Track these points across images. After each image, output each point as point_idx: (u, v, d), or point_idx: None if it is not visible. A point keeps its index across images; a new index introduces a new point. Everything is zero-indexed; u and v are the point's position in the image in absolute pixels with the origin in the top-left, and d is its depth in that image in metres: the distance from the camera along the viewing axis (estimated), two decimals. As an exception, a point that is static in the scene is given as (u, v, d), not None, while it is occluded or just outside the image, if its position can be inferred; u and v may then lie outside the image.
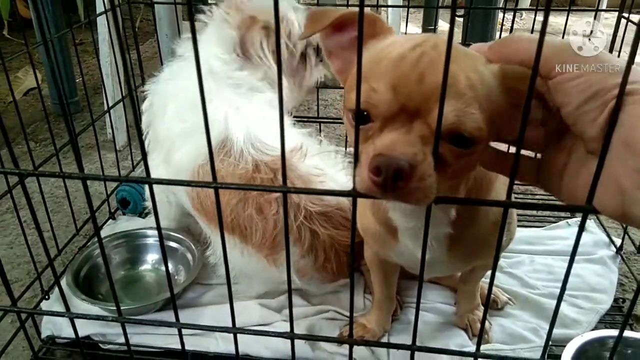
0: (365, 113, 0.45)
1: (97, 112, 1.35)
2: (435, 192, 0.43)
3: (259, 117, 0.95)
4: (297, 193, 0.72)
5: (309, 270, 0.94)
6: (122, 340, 0.90)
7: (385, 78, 0.44)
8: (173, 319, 0.91)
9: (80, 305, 0.90)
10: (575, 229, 1.17)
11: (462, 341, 0.90)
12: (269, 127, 0.93)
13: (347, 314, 0.97)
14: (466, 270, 0.87)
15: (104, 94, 1.61)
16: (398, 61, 0.45)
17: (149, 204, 1.20)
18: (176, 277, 1.03)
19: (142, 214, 1.25)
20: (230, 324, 0.88)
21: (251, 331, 0.60)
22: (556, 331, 0.92)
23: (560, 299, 0.51)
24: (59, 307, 0.95)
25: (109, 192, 1.25)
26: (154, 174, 1.10)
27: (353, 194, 0.45)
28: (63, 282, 0.99)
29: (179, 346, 0.86)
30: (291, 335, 0.57)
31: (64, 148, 1.05)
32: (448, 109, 0.41)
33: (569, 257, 1.10)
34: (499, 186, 0.63)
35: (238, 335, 0.58)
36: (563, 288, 0.50)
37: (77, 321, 0.91)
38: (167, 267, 0.55)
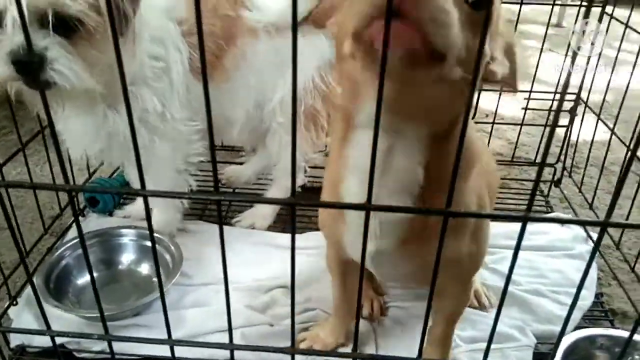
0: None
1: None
2: (451, 37, 0.40)
3: None
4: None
5: None
6: (97, 348, 0.85)
7: None
8: (152, 325, 0.88)
9: (53, 312, 0.84)
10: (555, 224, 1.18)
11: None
12: None
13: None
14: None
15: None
16: None
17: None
18: (154, 279, 0.98)
19: (112, 213, 1.18)
20: (216, 328, 0.85)
21: (250, 347, 0.57)
22: (542, 327, 0.93)
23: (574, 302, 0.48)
24: (28, 313, 0.90)
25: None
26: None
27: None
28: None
29: (159, 353, 0.84)
30: (291, 351, 0.55)
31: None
32: None
33: (550, 252, 1.12)
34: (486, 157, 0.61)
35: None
36: (578, 293, 0.46)
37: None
38: (159, 277, 0.50)
